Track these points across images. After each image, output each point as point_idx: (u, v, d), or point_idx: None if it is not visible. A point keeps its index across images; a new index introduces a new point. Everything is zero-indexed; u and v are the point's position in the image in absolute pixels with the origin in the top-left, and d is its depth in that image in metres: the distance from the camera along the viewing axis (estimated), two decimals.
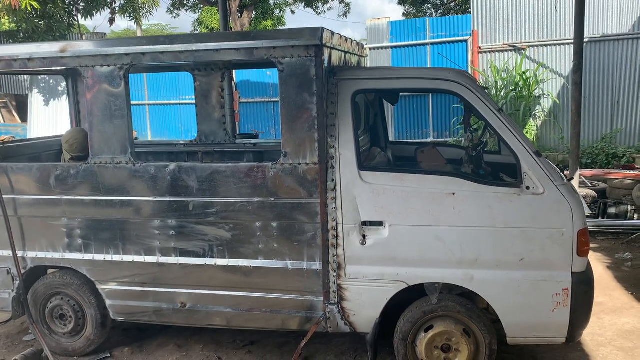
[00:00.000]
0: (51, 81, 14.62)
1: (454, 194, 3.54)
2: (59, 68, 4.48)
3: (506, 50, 12.03)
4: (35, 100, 14.39)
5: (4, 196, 4.26)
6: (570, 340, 3.63)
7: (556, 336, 3.61)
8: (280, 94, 3.73)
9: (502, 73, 11.74)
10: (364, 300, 3.80)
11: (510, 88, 11.48)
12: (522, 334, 3.65)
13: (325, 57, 3.68)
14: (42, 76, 14.41)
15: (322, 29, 3.62)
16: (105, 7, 15.61)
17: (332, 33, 3.87)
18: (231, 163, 3.99)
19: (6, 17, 13.32)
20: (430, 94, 12.45)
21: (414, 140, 12.19)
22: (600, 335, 4.46)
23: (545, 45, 11.76)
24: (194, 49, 3.82)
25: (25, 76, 17.69)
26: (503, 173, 4.02)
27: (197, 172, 3.93)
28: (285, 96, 3.71)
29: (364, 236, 3.72)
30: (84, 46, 4.05)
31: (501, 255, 3.55)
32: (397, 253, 3.67)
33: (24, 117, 15.59)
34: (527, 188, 3.48)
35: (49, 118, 14.36)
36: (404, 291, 3.74)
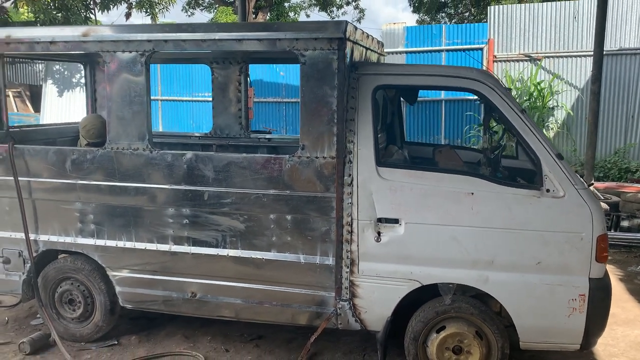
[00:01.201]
0: (65, 72, 14.70)
1: (472, 193, 3.50)
2: (79, 52, 4.48)
3: (521, 60, 11.97)
4: (49, 90, 14.46)
5: (19, 178, 4.26)
6: (585, 348, 3.57)
7: (570, 343, 3.56)
8: (300, 86, 3.71)
9: (517, 83, 11.68)
10: (376, 297, 3.76)
11: (524, 98, 11.42)
12: (535, 339, 3.60)
13: (348, 51, 3.66)
14: (57, 67, 14.49)
15: (346, 22, 3.60)
16: (122, 2, 15.70)
17: (355, 28, 3.86)
18: (248, 154, 3.97)
19: (25, 7, 13.40)
20: (443, 101, 12.41)
21: (430, 142, 12.14)
22: (613, 346, 4.40)
23: (562, 57, 11.69)
24: (216, 37, 3.81)
25: (40, 66, 17.80)
26: (520, 177, 3.98)
27: (213, 162, 3.91)
28: (305, 89, 3.69)
29: (379, 233, 3.68)
30: (107, 31, 4.05)
31: (518, 258, 3.51)
32: (412, 251, 3.64)
33: (37, 107, 15.67)
34: (547, 191, 3.44)
35: (62, 108, 14.43)
36: (416, 290, 3.71)
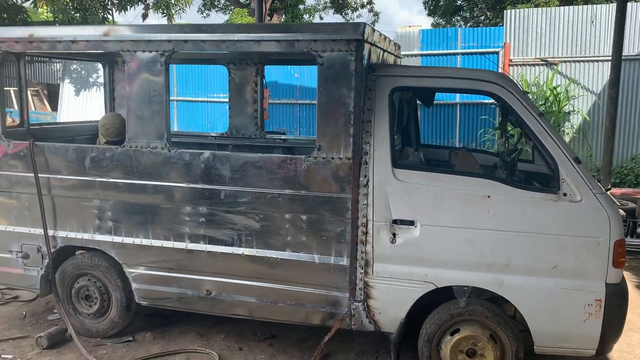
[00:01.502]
0: (82, 72, 14.87)
1: (489, 196, 3.50)
2: (99, 52, 4.54)
3: (538, 64, 11.91)
4: (67, 89, 14.65)
5: (39, 175, 4.33)
6: (600, 353, 3.55)
7: (586, 348, 3.53)
8: (317, 87, 3.74)
9: (533, 87, 11.62)
10: (391, 299, 3.77)
11: (540, 102, 11.35)
12: (550, 343, 3.58)
13: (366, 52, 3.68)
14: (74, 66, 14.67)
15: (364, 24, 3.62)
16: (139, 2, 15.87)
17: (373, 30, 3.87)
18: (264, 154, 4.00)
19: (45, 7, 13.59)
20: (458, 105, 12.37)
21: (445, 145, 12.10)
22: (629, 352, 4.36)
23: (578, 61, 11.61)
24: (235, 38, 3.85)
25: (58, 66, 18.02)
26: (536, 181, 3.97)
27: (230, 161, 3.95)
28: (323, 90, 3.71)
29: (394, 234, 3.69)
30: (127, 31, 4.11)
31: (533, 262, 3.50)
32: (427, 253, 3.64)
33: (54, 106, 15.87)
34: (564, 195, 3.42)
35: (79, 107, 14.60)
36: (430, 293, 3.71)
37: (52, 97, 16.63)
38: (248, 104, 5.70)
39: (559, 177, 3.44)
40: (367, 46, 3.70)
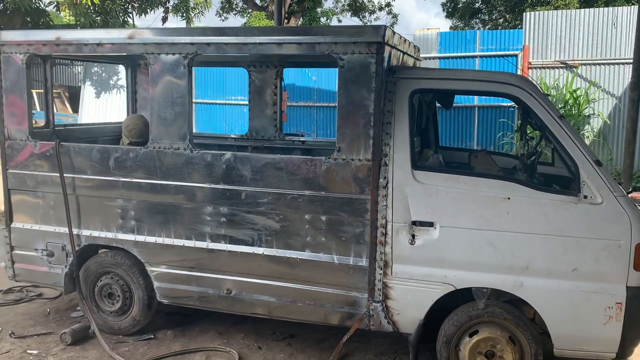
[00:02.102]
0: (103, 74, 15.10)
1: (509, 198, 3.51)
2: (123, 54, 4.64)
3: (557, 67, 11.82)
4: (87, 92, 14.88)
5: (64, 175, 4.43)
6: (621, 357, 3.53)
7: (606, 351, 3.52)
8: (338, 89, 3.78)
9: (552, 90, 11.53)
10: (409, 300, 3.79)
11: (560, 106, 11.27)
12: (570, 346, 3.57)
13: (386, 55, 3.71)
14: (95, 69, 14.91)
15: (385, 27, 3.65)
16: (159, 6, 16.08)
17: (393, 32, 3.91)
18: (285, 155, 4.05)
19: (67, 11, 13.84)
20: (476, 108, 12.33)
21: (463, 147, 12.06)
22: None
23: (599, 64, 11.50)
24: (257, 41, 3.91)
25: (79, 68, 18.32)
26: (556, 184, 3.96)
27: (251, 162, 4.00)
28: (343, 91, 3.75)
29: (413, 236, 3.71)
30: (151, 34, 4.19)
31: (553, 264, 3.50)
32: (446, 255, 3.66)
33: (75, 108, 16.13)
34: (585, 197, 3.42)
35: (99, 109, 14.82)
36: (449, 294, 3.72)
37: (73, 99, 16.91)
38: (268, 106, 5.76)
39: (580, 180, 3.44)
40: (387, 49, 3.74)
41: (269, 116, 5.77)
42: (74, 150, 4.44)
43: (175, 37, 4.07)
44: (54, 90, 16.93)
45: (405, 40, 4.39)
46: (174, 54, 4.07)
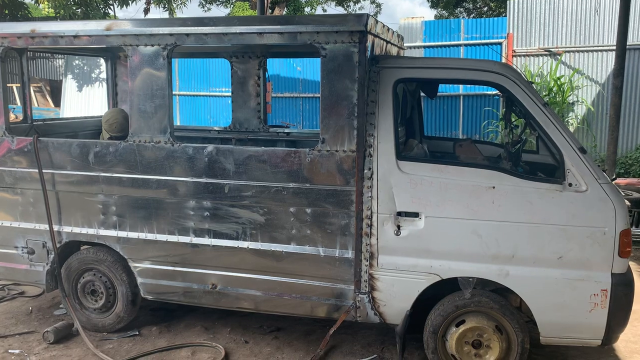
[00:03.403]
0: (85, 67, 14.86)
1: (494, 187, 3.49)
2: (101, 47, 4.53)
3: (541, 55, 11.84)
4: (69, 85, 14.64)
5: (43, 170, 4.33)
6: (606, 343, 3.54)
7: (592, 338, 3.53)
8: (321, 79, 3.72)
9: (536, 78, 11.56)
10: (396, 291, 3.77)
11: (544, 93, 11.30)
12: (556, 334, 3.58)
13: (369, 44, 3.66)
14: (76, 62, 14.67)
15: (367, 15, 3.60)
16: None
17: (376, 21, 3.85)
18: (268, 148, 3.99)
19: (46, 3, 13.58)
20: (462, 97, 12.33)
21: (448, 137, 12.05)
22: (635, 342, 4.35)
23: (582, 51, 11.54)
24: (237, 31, 3.83)
25: (60, 62, 18.03)
26: (541, 172, 3.95)
27: (234, 155, 3.94)
28: (326, 82, 3.69)
29: (398, 226, 3.69)
30: (129, 25, 4.09)
31: (539, 252, 3.49)
32: (432, 245, 3.64)
33: (57, 102, 15.88)
34: (570, 185, 3.41)
35: (81, 103, 14.60)
36: (435, 284, 3.70)
37: (55, 93, 16.64)
38: (251, 98, 5.69)
39: (564, 167, 3.43)
40: (370, 38, 3.68)
41: (253, 108, 5.70)
42: (53, 146, 4.35)
43: (154, 28, 3.98)
44: (35, 85, 16.65)
45: (388, 29, 4.34)
46: (152, 45, 3.98)
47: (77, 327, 4.36)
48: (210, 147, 4.00)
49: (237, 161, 3.93)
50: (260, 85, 5.66)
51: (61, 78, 16.07)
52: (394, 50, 4.61)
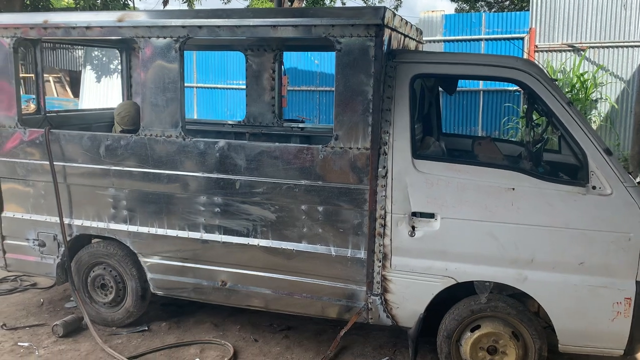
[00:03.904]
0: (104, 58, 14.92)
1: (513, 189, 3.36)
2: (114, 38, 4.47)
3: (564, 50, 11.56)
4: (88, 76, 14.72)
5: (55, 163, 4.30)
6: (629, 354, 3.40)
7: (613, 347, 3.39)
8: (335, 74, 3.61)
9: (559, 74, 11.29)
10: (409, 293, 3.66)
11: (566, 90, 11.03)
12: (575, 342, 3.44)
13: (386, 38, 3.53)
14: (95, 53, 14.73)
15: (385, 8, 3.48)
16: None
17: (394, 14, 3.72)
18: (281, 144, 3.90)
19: None
20: (481, 92, 12.11)
21: (467, 133, 11.86)
22: None
23: (607, 47, 11.24)
24: (250, 24, 3.74)
25: (80, 52, 18.13)
26: (562, 173, 3.80)
27: (245, 151, 3.86)
28: (340, 77, 3.58)
29: (413, 227, 3.57)
30: (142, 16, 4.02)
31: (559, 257, 3.35)
32: (447, 247, 3.52)
33: (76, 93, 15.98)
34: (593, 188, 3.26)
35: (100, 94, 14.67)
36: (450, 287, 3.59)
37: (74, 83, 16.75)
38: (265, 92, 5.60)
39: (588, 169, 3.28)
40: (387, 31, 3.56)
41: (267, 102, 5.61)
42: (64, 138, 4.30)
43: (166, 20, 3.90)
44: (55, 75, 16.78)
45: (406, 22, 4.20)
46: (164, 37, 3.90)
47: (86, 321, 4.33)
48: (221, 142, 3.92)
49: (248, 157, 3.84)
50: (274, 79, 5.57)
51: (80, 69, 16.15)
52: (412, 45, 4.47)
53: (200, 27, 3.84)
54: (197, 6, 18.41)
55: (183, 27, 3.85)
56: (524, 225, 3.37)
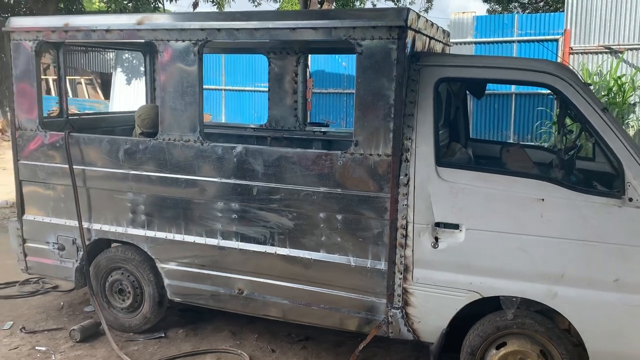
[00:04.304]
0: (134, 60, 15.10)
1: (543, 199, 3.17)
2: (136, 41, 4.44)
3: (601, 52, 11.16)
4: (119, 78, 14.92)
5: (74, 166, 4.28)
6: None
7: None
8: (356, 77, 3.49)
9: (595, 77, 10.90)
10: (431, 307, 3.50)
11: (603, 93, 10.64)
12: None
13: (409, 40, 3.39)
14: (126, 56, 14.91)
15: (408, 9, 3.34)
16: None
17: (418, 15, 3.57)
18: (299, 149, 3.79)
19: None
20: (513, 95, 11.79)
21: (497, 139, 11.55)
22: None
23: None
24: (269, 26, 3.64)
25: (111, 55, 18.42)
26: (597, 182, 3.58)
27: (263, 156, 3.76)
28: (361, 80, 3.45)
29: (436, 238, 3.41)
30: (161, 19, 3.98)
31: (592, 273, 3.15)
32: (472, 260, 3.34)
33: (107, 95, 16.22)
34: (630, 200, 3.05)
35: (130, 96, 14.86)
36: (475, 302, 3.41)
37: (106, 85, 17.03)
38: (288, 95, 5.50)
39: (624, 180, 3.07)
40: (410, 33, 3.41)
41: (289, 105, 5.50)
42: (84, 141, 4.28)
43: (185, 23, 3.84)
44: (87, 77, 17.08)
45: (432, 24, 4.04)
46: (183, 40, 3.84)
47: (103, 327, 4.29)
48: (239, 147, 3.83)
49: (266, 162, 3.74)
50: (297, 83, 5.46)
51: (111, 71, 16.39)
52: (438, 47, 4.31)
53: (219, 29, 3.76)
54: (226, 9, 18.49)
55: (202, 29, 3.78)
56: (554, 239, 3.18)
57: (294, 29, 3.58)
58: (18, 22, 4.39)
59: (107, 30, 4.07)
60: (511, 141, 11.75)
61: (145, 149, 4.07)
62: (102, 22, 4.12)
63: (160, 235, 4.15)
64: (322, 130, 5.45)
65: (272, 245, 3.84)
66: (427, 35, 3.87)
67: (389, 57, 3.36)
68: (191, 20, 3.85)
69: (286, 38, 3.68)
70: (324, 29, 3.52)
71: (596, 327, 3.18)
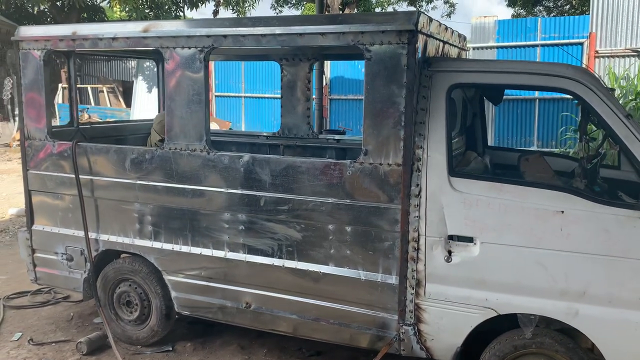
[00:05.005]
0: (155, 69, 15.19)
1: (562, 212, 2.98)
2: (144, 49, 4.37)
3: (628, 56, 10.81)
4: (140, 86, 15.01)
5: (82, 176, 4.23)
6: None
7: None
8: (365, 84, 3.35)
9: (622, 81, 10.56)
10: (445, 324, 3.33)
11: (630, 98, 10.29)
12: None
13: (420, 45, 3.24)
14: (147, 64, 15.02)
15: (418, 12, 3.19)
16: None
17: (430, 19, 3.42)
18: (306, 158, 3.67)
19: (118, 6, 13.98)
20: (537, 100, 11.50)
21: (516, 148, 11.28)
22: None
23: None
24: (276, 32, 3.53)
25: (132, 63, 18.60)
26: (623, 192, 3.37)
27: (270, 166, 3.64)
28: (370, 87, 3.32)
29: (449, 252, 3.25)
30: (166, 26, 3.90)
31: (616, 291, 2.95)
32: (488, 275, 3.17)
33: (129, 103, 16.36)
34: None
35: (151, 104, 14.93)
36: (491, 320, 3.23)
37: (127, 93, 17.18)
38: (300, 102, 5.39)
39: None
40: (421, 38, 3.27)
41: (302, 112, 5.39)
42: (91, 151, 4.23)
43: (191, 30, 3.76)
44: (109, 85, 17.26)
45: (446, 27, 3.89)
46: (189, 47, 3.75)
47: (110, 340, 4.21)
48: (246, 157, 3.72)
49: (273, 172, 3.63)
50: (310, 89, 5.35)
51: (133, 79, 16.53)
52: (453, 52, 4.15)
53: (225, 36, 3.67)
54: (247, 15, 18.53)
55: (208, 36, 3.69)
56: (575, 253, 2.99)
57: (301, 34, 3.47)
58: (27, 31, 4.37)
59: (114, 39, 4.02)
60: (535, 147, 11.45)
61: (151, 158, 4.00)
62: (109, 30, 4.06)
63: (167, 246, 4.06)
64: (336, 138, 5.31)
65: (280, 257, 3.71)
66: (440, 40, 3.72)
67: (399, 62, 3.22)
68: (197, 27, 3.77)
69: (294, 44, 3.57)
70: (332, 34, 3.40)
71: (621, 348, 2.98)
